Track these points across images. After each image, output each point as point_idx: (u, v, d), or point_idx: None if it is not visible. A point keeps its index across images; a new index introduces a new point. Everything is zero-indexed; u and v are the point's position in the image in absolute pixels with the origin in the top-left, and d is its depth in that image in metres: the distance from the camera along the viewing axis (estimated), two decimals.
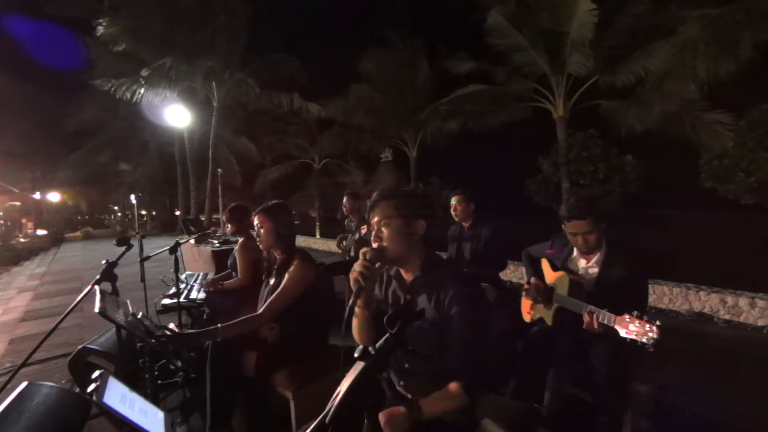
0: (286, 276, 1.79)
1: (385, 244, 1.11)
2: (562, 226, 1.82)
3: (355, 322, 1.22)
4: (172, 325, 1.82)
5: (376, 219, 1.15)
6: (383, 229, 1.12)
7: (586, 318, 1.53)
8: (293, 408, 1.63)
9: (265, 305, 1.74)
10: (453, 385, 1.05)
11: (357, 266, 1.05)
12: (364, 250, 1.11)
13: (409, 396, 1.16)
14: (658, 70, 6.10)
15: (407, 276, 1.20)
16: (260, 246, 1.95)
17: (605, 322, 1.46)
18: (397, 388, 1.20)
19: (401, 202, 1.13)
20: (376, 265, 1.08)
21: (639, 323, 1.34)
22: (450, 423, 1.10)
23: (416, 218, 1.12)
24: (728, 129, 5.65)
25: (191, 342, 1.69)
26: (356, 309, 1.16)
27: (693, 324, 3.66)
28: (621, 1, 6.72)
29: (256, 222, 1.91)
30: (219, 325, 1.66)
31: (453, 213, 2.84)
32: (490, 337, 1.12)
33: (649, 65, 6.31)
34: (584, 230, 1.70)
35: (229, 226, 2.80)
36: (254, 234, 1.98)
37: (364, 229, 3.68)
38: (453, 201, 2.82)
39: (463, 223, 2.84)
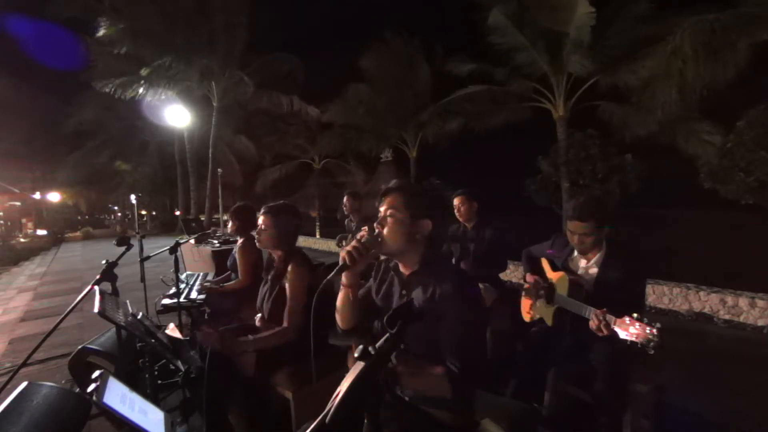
0: (287, 283, 1.79)
1: (385, 233, 1.11)
2: (564, 223, 1.82)
3: (339, 299, 1.20)
4: (172, 326, 1.82)
5: (383, 207, 1.13)
6: (388, 218, 1.11)
7: (593, 321, 1.52)
8: (293, 408, 1.62)
9: (285, 317, 1.76)
10: (438, 368, 1.02)
11: (349, 245, 1.06)
12: (361, 233, 1.11)
13: (406, 399, 1.16)
14: (656, 74, 6.13)
15: (405, 271, 1.18)
16: (258, 245, 1.96)
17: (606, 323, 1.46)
18: (396, 392, 1.19)
19: (412, 198, 1.11)
20: (370, 251, 1.08)
21: (639, 326, 1.33)
22: (449, 424, 1.10)
23: (423, 217, 1.10)
24: (713, 142, 5.79)
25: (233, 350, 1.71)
26: (342, 288, 1.16)
27: (693, 324, 3.66)
28: (622, 2, 6.74)
29: (260, 222, 1.92)
30: (250, 337, 1.70)
31: (457, 213, 2.82)
32: (483, 338, 1.12)
33: (649, 67, 6.33)
34: (582, 232, 1.70)
35: (231, 224, 2.80)
36: (255, 234, 1.98)
37: (364, 230, 3.68)
38: (456, 201, 2.81)
39: (467, 224, 2.83)
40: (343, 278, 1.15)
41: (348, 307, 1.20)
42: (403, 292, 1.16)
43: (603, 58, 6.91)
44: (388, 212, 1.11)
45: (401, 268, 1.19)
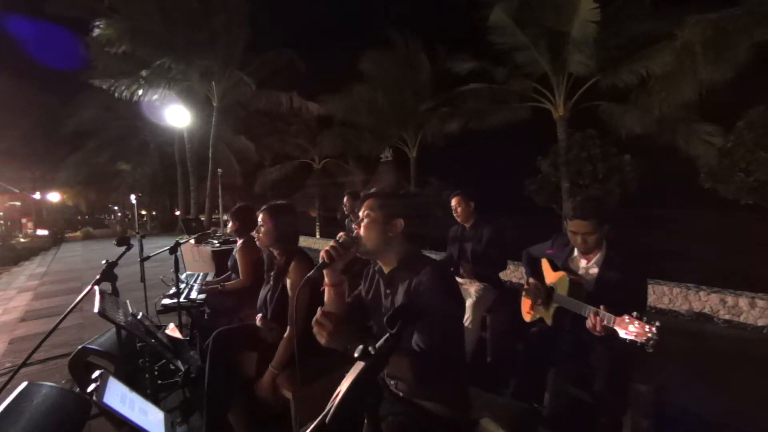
0: (289, 283, 1.79)
1: (362, 232, 1.20)
2: (565, 223, 1.82)
3: (326, 296, 1.27)
4: (172, 326, 1.83)
5: (362, 211, 1.24)
6: (364, 219, 1.21)
7: (590, 320, 1.52)
8: (293, 408, 1.62)
9: (290, 320, 1.75)
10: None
11: (328, 245, 1.17)
12: (340, 234, 1.21)
13: (401, 394, 1.17)
14: (656, 74, 6.14)
15: (387, 270, 1.24)
16: (258, 244, 1.96)
17: (605, 322, 1.46)
18: (391, 388, 1.21)
19: (385, 200, 1.22)
20: (349, 250, 1.17)
21: (638, 324, 1.34)
22: (449, 423, 1.10)
23: (395, 216, 1.18)
24: (713, 143, 5.80)
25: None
26: (326, 287, 1.25)
27: (693, 324, 3.66)
28: (623, 1, 6.74)
29: (259, 220, 1.92)
30: (270, 367, 1.71)
31: (454, 214, 2.85)
32: (456, 325, 1.14)
33: (650, 67, 6.33)
34: (585, 231, 1.70)
35: (231, 224, 2.80)
36: (255, 233, 1.98)
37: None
38: (453, 202, 2.84)
39: (465, 224, 2.85)
40: (326, 277, 1.23)
41: (332, 304, 1.26)
42: (388, 291, 1.22)
43: (604, 57, 6.91)
44: (365, 214, 1.22)
45: (384, 268, 1.25)
